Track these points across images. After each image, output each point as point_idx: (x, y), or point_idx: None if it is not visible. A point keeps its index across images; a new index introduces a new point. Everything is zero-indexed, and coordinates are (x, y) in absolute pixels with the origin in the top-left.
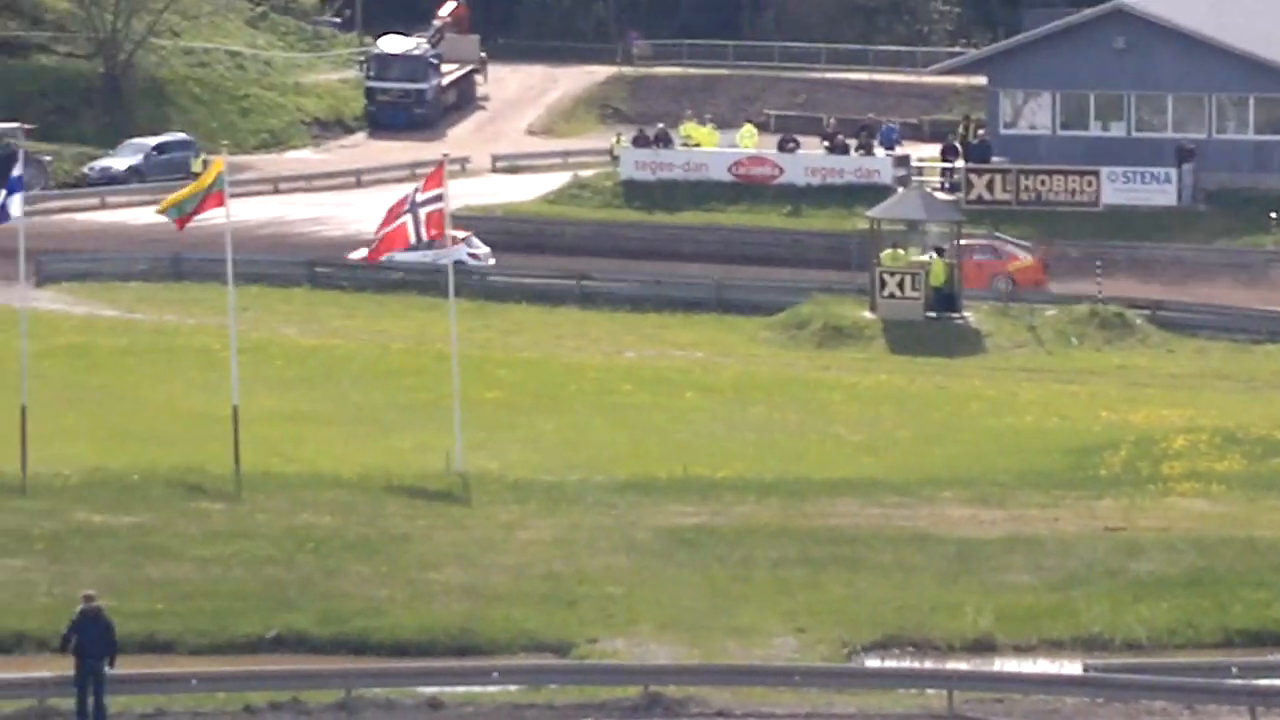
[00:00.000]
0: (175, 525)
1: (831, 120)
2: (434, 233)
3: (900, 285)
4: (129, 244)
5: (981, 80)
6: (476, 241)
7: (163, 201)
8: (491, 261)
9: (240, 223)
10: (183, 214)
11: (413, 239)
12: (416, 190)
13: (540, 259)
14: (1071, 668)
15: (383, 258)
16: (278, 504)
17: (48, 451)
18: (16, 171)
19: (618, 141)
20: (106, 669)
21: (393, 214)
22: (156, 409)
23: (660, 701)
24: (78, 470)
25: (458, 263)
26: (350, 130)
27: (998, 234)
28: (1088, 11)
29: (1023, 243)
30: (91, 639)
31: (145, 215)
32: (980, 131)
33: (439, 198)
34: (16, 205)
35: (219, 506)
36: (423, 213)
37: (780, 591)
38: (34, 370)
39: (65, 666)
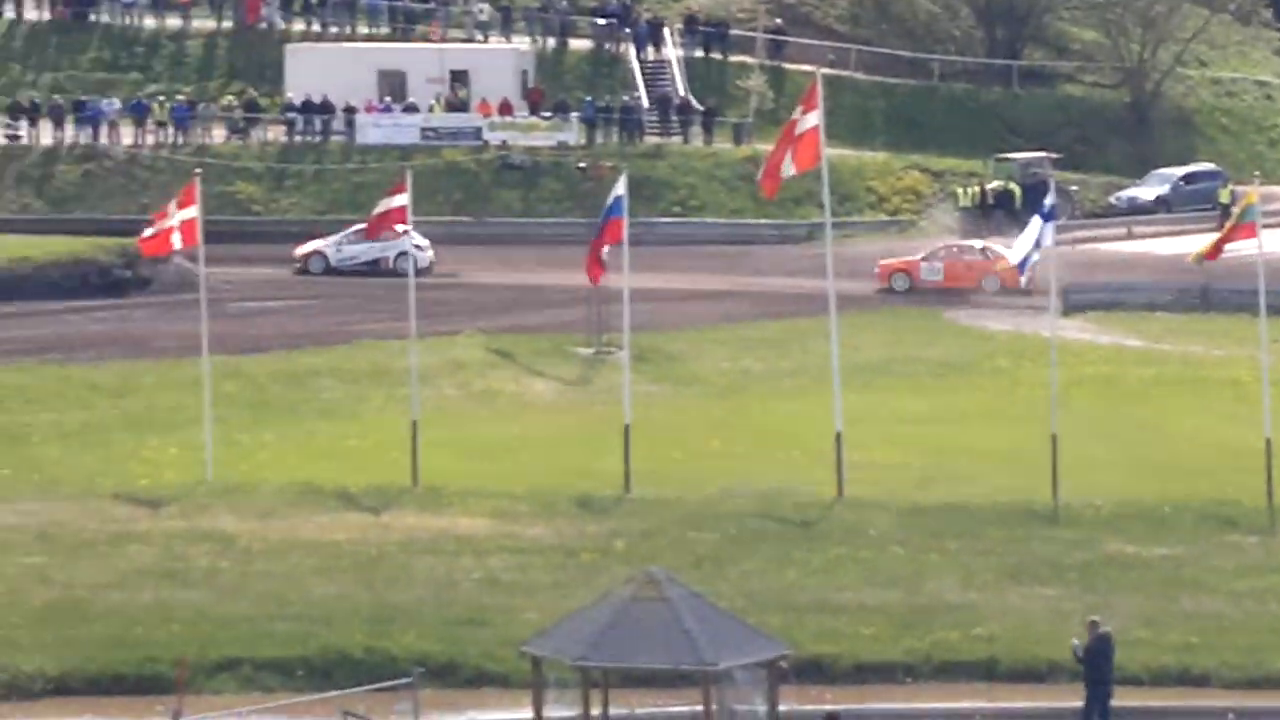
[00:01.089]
0: (1208, 558)
1: None
2: None
3: None
4: (1156, 274)
5: None
6: (416, 235)
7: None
8: (430, 254)
9: (1272, 255)
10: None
11: None
12: None
13: None
14: None
15: None
16: None
17: (1078, 481)
18: (1048, 201)
19: None
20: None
21: None
22: (1185, 440)
23: None
24: (1109, 500)
25: (402, 254)
26: None
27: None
28: None
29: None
30: (1101, 665)
31: (1172, 246)
32: None
33: None
34: (1048, 234)
35: (1252, 540)
36: None
37: None
38: (1062, 399)
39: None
